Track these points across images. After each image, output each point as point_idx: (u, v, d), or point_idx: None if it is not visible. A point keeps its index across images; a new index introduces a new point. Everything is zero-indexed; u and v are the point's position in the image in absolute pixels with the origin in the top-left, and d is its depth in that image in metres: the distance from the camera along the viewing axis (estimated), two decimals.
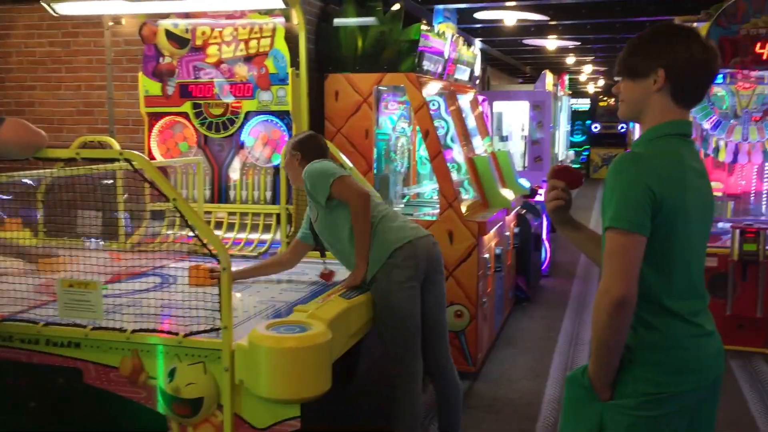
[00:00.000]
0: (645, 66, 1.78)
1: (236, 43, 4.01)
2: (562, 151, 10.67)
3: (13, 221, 3.37)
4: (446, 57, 5.19)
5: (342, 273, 3.23)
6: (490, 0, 6.36)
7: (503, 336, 5.55)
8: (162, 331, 2.43)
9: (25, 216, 3.50)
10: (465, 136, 5.46)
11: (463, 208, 4.52)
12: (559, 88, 9.97)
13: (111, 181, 3.66)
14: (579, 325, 5.91)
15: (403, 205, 5.24)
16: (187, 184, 4.14)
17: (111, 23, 4.56)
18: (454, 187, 4.53)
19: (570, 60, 12.91)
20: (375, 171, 4.70)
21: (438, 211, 4.55)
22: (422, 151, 5.54)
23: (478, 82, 6.61)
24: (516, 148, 8.63)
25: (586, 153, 18.94)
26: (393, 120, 5.22)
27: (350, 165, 3.72)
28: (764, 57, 5.20)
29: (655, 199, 1.67)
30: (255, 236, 4.02)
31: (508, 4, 6.57)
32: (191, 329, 2.39)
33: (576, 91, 18.89)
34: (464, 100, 5.87)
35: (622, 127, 18.72)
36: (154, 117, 4.19)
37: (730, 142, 5.70)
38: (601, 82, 18.99)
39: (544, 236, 7.14)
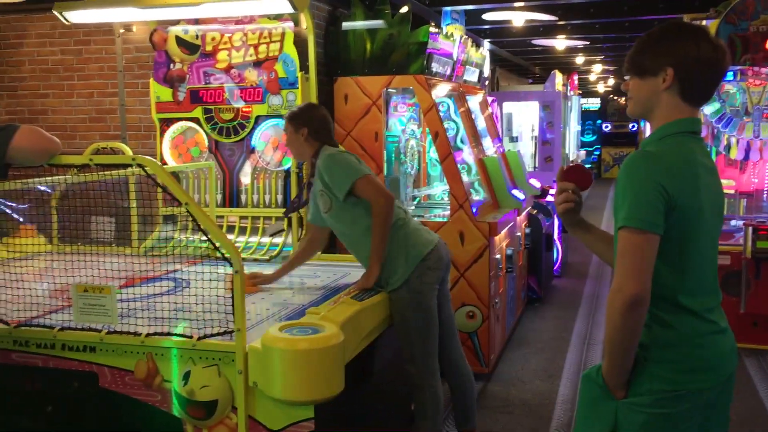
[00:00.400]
0: (654, 64, 1.78)
1: (246, 48, 4.03)
2: (572, 150, 10.63)
3: (28, 228, 3.41)
4: (455, 58, 5.20)
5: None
6: (498, 1, 6.36)
7: (515, 337, 5.54)
8: (176, 335, 2.45)
9: (40, 222, 3.54)
10: (475, 137, 5.46)
11: (474, 209, 4.52)
12: (569, 87, 9.94)
13: (124, 187, 3.69)
14: (591, 325, 5.89)
15: (413, 207, 5.25)
16: (199, 188, 4.17)
17: (122, 31, 4.60)
18: (464, 188, 4.53)
19: (579, 60, 12.87)
20: (385, 173, 4.71)
21: (449, 212, 4.56)
22: (432, 153, 5.55)
23: (487, 83, 6.61)
24: (526, 148, 8.62)
25: (597, 153, 18.87)
26: (402, 122, 5.23)
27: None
28: None
29: (668, 197, 1.67)
30: (266, 240, 4.04)
31: (516, 4, 6.57)
32: (205, 332, 2.40)
33: (586, 91, 18.83)
34: (474, 101, 5.88)
35: (634, 126, 18.64)
36: (166, 123, 4.22)
37: (742, 139, 5.67)
38: (611, 82, 18.91)
39: (555, 236, 7.12)
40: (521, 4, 6.48)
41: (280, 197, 4.11)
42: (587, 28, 8.41)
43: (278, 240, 4.00)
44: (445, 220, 4.55)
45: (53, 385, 2.57)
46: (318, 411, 2.32)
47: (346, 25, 4.65)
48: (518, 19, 7.42)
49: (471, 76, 5.77)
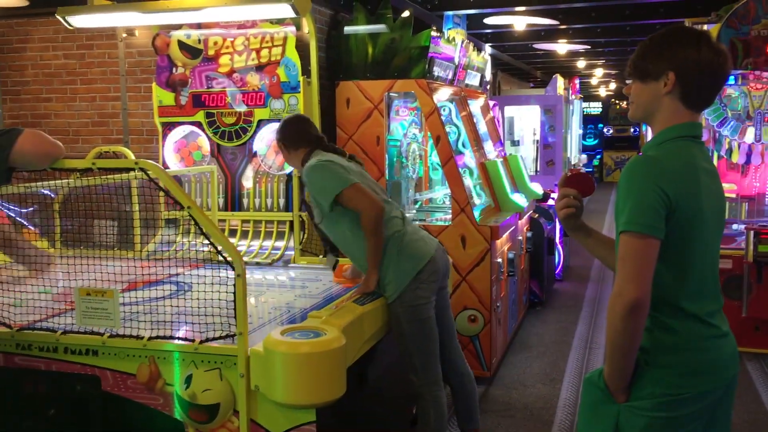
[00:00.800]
0: (655, 69, 1.78)
1: (248, 53, 4.04)
2: (574, 154, 10.63)
3: (31, 231, 3.41)
4: (456, 63, 5.21)
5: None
6: (499, 5, 6.37)
7: (517, 340, 5.54)
8: (178, 338, 2.45)
9: (43, 226, 3.55)
10: (476, 141, 5.47)
11: (476, 213, 4.53)
12: (571, 91, 9.95)
13: (127, 191, 3.70)
14: (593, 328, 5.89)
15: (415, 211, 5.25)
16: (201, 192, 4.18)
17: (124, 35, 4.62)
18: (466, 192, 4.54)
19: (581, 63, 12.89)
20: (387, 177, 4.71)
21: (450, 216, 4.56)
22: (434, 157, 5.55)
23: (488, 87, 6.62)
24: (528, 152, 8.62)
25: (598, 157, 18.87)
26: (404, 126, 5.23)
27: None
28: None
29: (669, 202, 1.68)
30: (268, 243, 4.05)
31: (517, 9, 6.58)
32: (207, 336, 2.41)
33: (588, 95, 18.84)
34: (475, 105, 5.89)
35: (635, 130, 18.64)
36: (168, 127, 4.24)
37: (743, 143, 5.67)
38: (613, 86, 18.92)
39: (557, 240, 7.12)
40: (523, 8, 6.50)
41: (282, 201, 4.12)
42: (589, 32, 8.43)
43: (280, 244, 4.00)
44: (447, 224, 4.55)
45: (56, 389, 2.58)
46: (320, 414, 2.32)
47: (348, 29, 4.66)
48: (519, 23, 7.44)
49: (472, 80, 5.78)
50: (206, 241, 2.35)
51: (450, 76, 5.13)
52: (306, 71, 3.96)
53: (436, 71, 4.78)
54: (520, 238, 5.47)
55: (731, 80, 5.59)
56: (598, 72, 15.09)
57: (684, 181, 1.72)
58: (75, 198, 3.51)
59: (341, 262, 3.35)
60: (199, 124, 4.19)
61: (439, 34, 4.84)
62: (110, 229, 3.53)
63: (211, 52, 4.11)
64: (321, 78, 4.09)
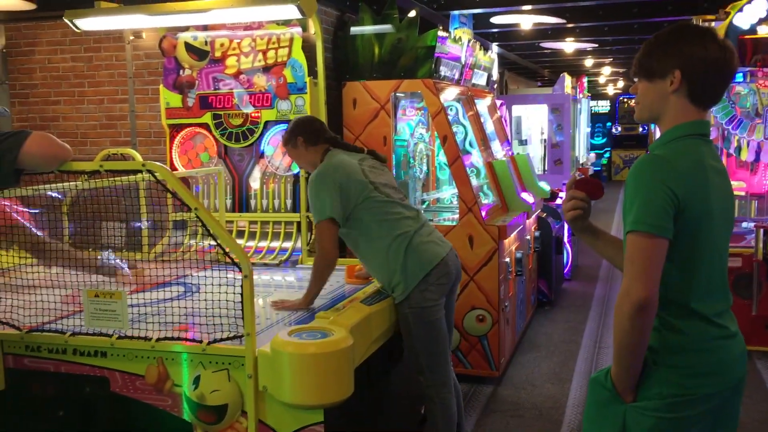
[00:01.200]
0: (661, 67, 1.77)
1: (254, 54, 4.05)
2: (582, 153, 10.60)
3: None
4: (463, 62, 5.20)
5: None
6: (506, 4, 6.35)
7: (526, 340, 5.53)
8: (186, 339, 2.46)
9: (51, 228, 3.56)
10: (483, 141, 5.46)
11: (483, 213, 4.52)
12: (578, 90, 9.92)
13: (134, 193, 3.71)
14: (602, 328, 5.87)
15: (422, 211, 5.24)
16: (209, 193, 4.19)
17: (132, 37, 4.64)
18: (473, 192, 4.53)
19: (588, 62, 12.85)
20: (394, 177, 4.71)
21: (458, 216, 4.56)
22: (441, 157, 5.55)
23: (495, 86, 6.61)
24: (535, 151, 8.60)
25: (607, 155, 18.80)
26: (411, 126, 5.23)
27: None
28: None
29: (677, 201, 1.67)
30: (276, 244, 4.05)
31: (524, 8, 6.56)
32: (215, 337, 2.41)
33: (595, 94, 18.77)
34: (482, 104, 5.88)
35: (644, 129, 18.56)
36: (176, 128, 4.25)
37: (752, 140, 5.64)
38: (621, 84, 18.85)
39: (565, 239, 7.10)
40: (529, 7, 6.48)
41: (289, 202, 4.13)
42: (596, 31, 8.40)
43: (288, 244, 4.01)
44: (455, 223, 4.55)
45: (65, 390, 2.59)
46: (327, 415, 2.33)
47: (355, 29, 4.67)
48: (526, 22, 7.41)
49: (479, 79, 5.77)
50: (214, 243, 2.36)
51: (457, 76, 5.12)
52: (312, 72, 3.96)
53: (443, 71, 4.77)
54: (528, 237, 5.45)
55: (739, 78, 5.55)
56: (606, 70, 15.04)
57: (692, 179, 1.71)
58: (83, 200, 3.53)
59: (352, 263, 3.35)
60: (206, 126, 4.20)
61: (445, 34, 4.83)
62: (118, 231, 3.54)
63: (217, 54, 4.12)
64: (327, 79, 4.09)
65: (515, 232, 4.84)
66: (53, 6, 4.42)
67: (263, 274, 3.66)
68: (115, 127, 4.85)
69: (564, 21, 7.28)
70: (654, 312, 1.68)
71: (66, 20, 3.72)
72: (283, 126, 4.06)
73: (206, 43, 4.13)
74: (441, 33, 4.66)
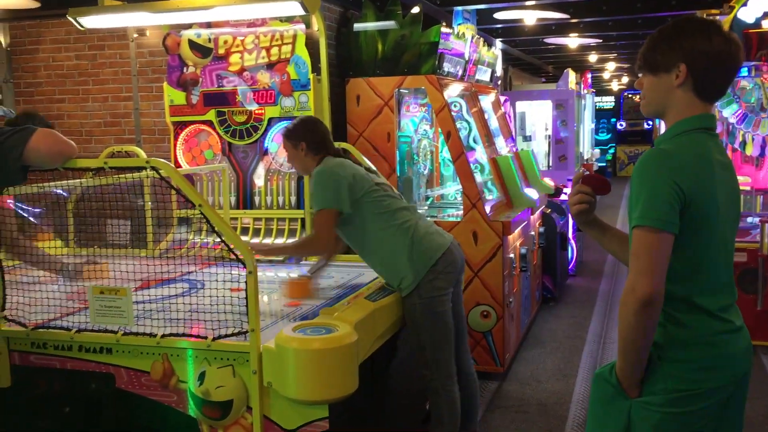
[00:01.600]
0: (666, 61, 1.76)
1: (258, 51, 4.05)
2: (587, 149, 10.57)
3: (45, 232, 3.44)
4: (467, 58, 5.19)
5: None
6: (509, 0, 6.34)
7: (530, 336, 5.53)
8: (191, 335, 2.47)
9: (57, 225, 3.58)
10: (487, 137, 5.45)
11: (487, 209, 4.51)
12: (582, 86, 9.89)
13: (139, 190, 3.72)
14: (607, 324, 5.86)
15: (427, 207, 5.24)
16: (213, 191, 4.20)
17: (135, 35, 4.64)
18: (477, 188, 4.53)
19: (593, 57, 12.81)
20: (398, 173, 4.71)
21: (462, 212, 4.56)
22: (445, 153, 5.54)
23: (499, 82, 6.60)
24: (540, 147, 8.58)
25: (611, 151, 18.75)
26: (415, 122, 5.23)
27: (373, 168, 3.74)
28: None
29: (683, 196, 1.66)
30: (280, 241, 4.06)
31: (527, 3, 6.55)
32: (219, 333, 2.42)
33: (600, 89, 18.73)
34: (486, 100, 5.87)
35: (649, 124, 18.52)
36: (180, 126, 4.26)
37: (757, 135, 5.62)
38: (626, 79, 18.80)
39: (570, 235, 7.09)
40: (533, 2, 6.46)
41: (293, 198, 4.13)
42: (600, 26, 8.37)
43: (292, 241, 4.01)
44: (459, 219, 4.55)
45: (71, 387, 2.60)
46: (332, 410, 2.33)
47: (358, 26, 4.66)
48: (530, 17, 7.40)
49: (483, 75, 5.76)
50: (218, 239, 2.36)
51: (460, 72, 5.11)
52: (316, 69, 3.96)
53: (447, 67, 4.77)
54: (533, 233, 5.45)
55: (744, 72, 5.54)
56: (610, 66, 14.99)
57: (697, 174, 1.70)
58: (88, 197, 3.54)
59: (295, 279, 3.24)
60: (210, 123, 4.20)
61: (449, 30, 4.82)
62: (123, 228, 3.55)
63: (221, 51, 4.12)
64: (331, 75, 4.09)
65: (519, 228, 4.83)
66: (57, 4, 4.43)
67: (267, 271, 3.66)
68: (120, 125, 4.86)
69: (568, 16, 7.26)
70: (659, 307, 1.68)
71: (70, 18, 3.73)
72: (287, 122, 4.05)
73: (210, 40, 4.13)
74: (444, 29, 4.65)
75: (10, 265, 2.93)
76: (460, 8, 6.10)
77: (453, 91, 5.06)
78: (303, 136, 3.05)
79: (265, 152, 4.16)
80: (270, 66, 4.05)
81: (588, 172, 1.91)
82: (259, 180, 4.20)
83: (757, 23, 5.15)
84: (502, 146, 5.75)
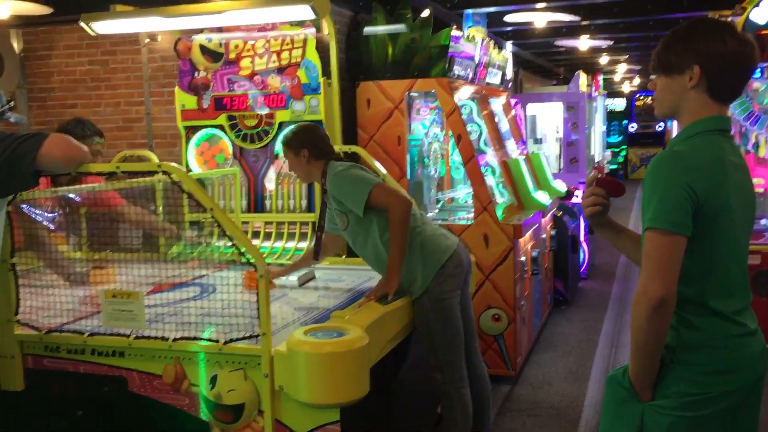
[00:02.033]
0: (680, 62, 1.75)
1: (269, 55, 4.07)
2: (598, 152, 10.53)
3: (59, 236, 3.46)
4: (477, 61, 5.18)
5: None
6: (519, 2, 6.33)
7: (542, 339, 5.50)
8: (203, 339, 2.47)
9: (70, 230, 3.60)
10: (498, 140, 5.44)
11: (498, 212, 4.50)
12: (594, 88, 9.85)
13: (151, 194, 3.74)
14: (619, 327, 5.83)
15: (437, 211, 5.24)
16: (224, 194, 4.21)
17: (147, 40, 4.67)
18: (488, 191, 4.52)
19: (603, 60, 12.76)
20: (408, 177, 4.71)
21: (473, 215, 4.55)
22: (456, 156, 5.53)
23: (510, 85, 6.58)
24: (551, 150, 8.55)
25: (623, 154, 18.66)
26: (425, 125, 5.22)
27: (384, 171, 3.74)
28: None
29: (696, 198, 1.65)
30: (291, 244, 4.07)
31: (538, 6, 6.53)
32: (231, 336, 2.42)
33: (611, 91, 18.65)
34: (497, 103, 5.86)
35: (660, 126, 18.42)
36: (191, 130, 4.27)
37: None
38: (637, 81, 18.71)
39: (581, 238, 7.06)
40: (543, 5, 6.45)
41: (304, 202, 4.14)
42: (611, 28, 8.35)
43: (303, 245, 4.02)
44: (470, 222, 4.54)
45: (83, 390, 2.61)
46: (344, 414, 2.33)
47: (368, 30, 4.67)
48: (540, 20, 7.38)
49: (494, 78, 5.75)
50: (229, 243, 2.37)
51: (471, 75, 5.11)
52: (326, 72, 3.97)
53: (457, 70, 4.76)
54: (544, 236, 5.43)
55: (757, 74, 5.49)
56: (622, 68, 14.93)
57: (711, 176, 1.69)
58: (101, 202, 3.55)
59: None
60: (221, 127, 4.22)
61: (459, 33, 4.82)
62: (136, 232, 3.57)
63: (232, 56, 4.14)
64: (341, 79, 4.10)
65: (530, 231, 4.82)
66: (69, 10, 4.46)
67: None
68: (132, 130, 4.89)
69: (579, 18, 7.24)
70: (672, 310, 1.67)
71: (82, 24, 3.76)
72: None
73: (221, 45, 4.15)
74: (454, 32, 4.65)
75: (23, 270, 2.95)
76: (470, 11, 6.09)
77: (463, 94, 5.05)
78: (304, 143, 3.02)
79: (276, 156, 4.17)
80: (281, 70, 4.06)
81: (601, 175, 1.90)
82: (270, 184, 4.21)
83: None
84: (512, 149, 5.74)
